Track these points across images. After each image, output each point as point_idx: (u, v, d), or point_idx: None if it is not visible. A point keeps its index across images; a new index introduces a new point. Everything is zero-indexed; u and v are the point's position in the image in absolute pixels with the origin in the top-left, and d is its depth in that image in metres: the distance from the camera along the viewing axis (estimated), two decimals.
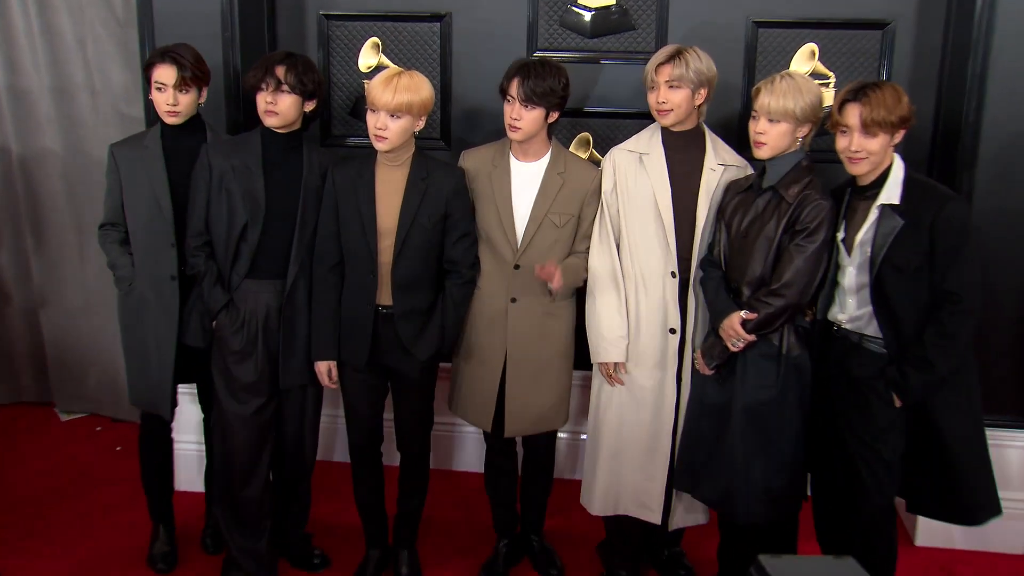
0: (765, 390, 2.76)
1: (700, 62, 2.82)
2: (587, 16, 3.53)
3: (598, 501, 3.08)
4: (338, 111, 3.73)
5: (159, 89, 2.95)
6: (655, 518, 3.05)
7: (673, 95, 2.82)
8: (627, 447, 3.02)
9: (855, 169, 2.65)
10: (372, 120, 2.83)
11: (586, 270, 3.00)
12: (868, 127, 2.56)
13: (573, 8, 3.54)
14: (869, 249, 2.63)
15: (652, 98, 2.88)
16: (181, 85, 2.94)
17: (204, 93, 3.05)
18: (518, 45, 3.56)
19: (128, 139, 3.17)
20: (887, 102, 2.56)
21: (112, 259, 3.10)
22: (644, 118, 3.47)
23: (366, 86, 3.63)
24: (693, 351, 2.92)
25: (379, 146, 2.85)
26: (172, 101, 2.95)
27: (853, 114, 2.59)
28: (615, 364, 2.98)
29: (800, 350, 2.77)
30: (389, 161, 2.91)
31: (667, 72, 2.81)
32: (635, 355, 2.97)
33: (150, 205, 3.01)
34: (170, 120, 3.00)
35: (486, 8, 3.57)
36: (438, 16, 3.59)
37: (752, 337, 2.72)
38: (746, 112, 3.47)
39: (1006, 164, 3.23)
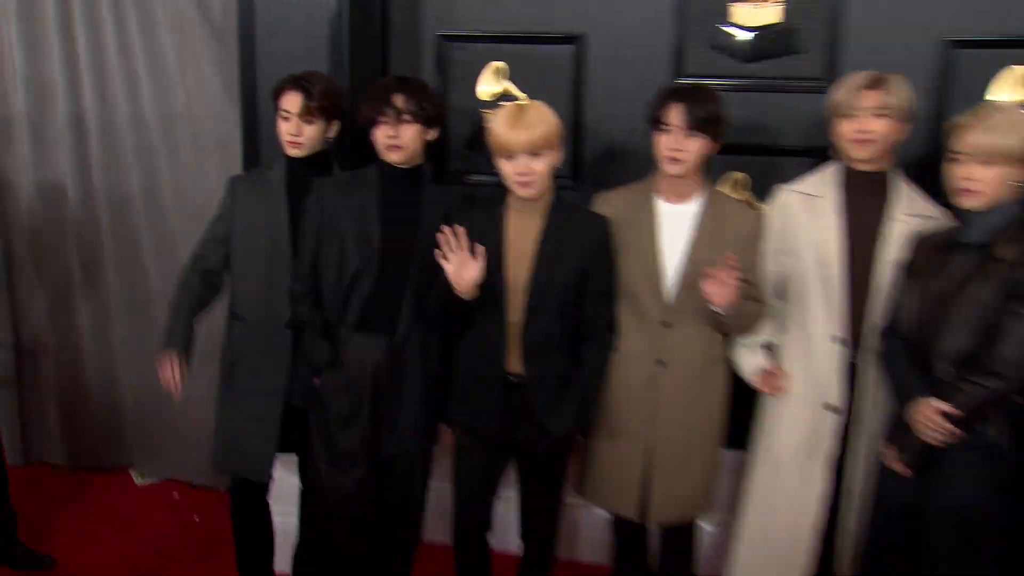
0: (977, 491, 2.35)
1: (908, 91, 2.54)
2: (747, 37, 3.11)
3: None
4: (456, 144, 3.36)
5: (285, 118, 2.76)
6: None
7: (879, 124, 2.52)
8: (769, 535, 2.73)
9: None
10: (511, 168, 2.50)
11: (758, 316, 2.66)
12: None
13: (728, 28, 3.12)
14: None
15: (848, 127, 2.54)
16: (306, 115, 2.72)
17: (334, 127, 2.82)
18: (662, 71, 3.16)
19: (250, 172, 3.07)
20: None
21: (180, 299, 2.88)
22: (807, 155, 3.09)
23: (485, 117, 3.31)
24: (858, 435, 2.60)
25: (526, 192, 2.53)
26: (295, 131, 2.74)
27: None
28: (767, 372, 2.68)
29: (1014, 440, 2.35)
30: (524, 208, 2.58)
31: (874, 98, 2.51)
32: (778, 429, 2.70)
33: (268, 244, 2.79)
34: (292, 151, 2.78)
35: (626, 28, 3.18)
36: (571, 38, 3.21)
37: (957, 431, 2.30)
38: (935, 151, 3.01)
39: None
